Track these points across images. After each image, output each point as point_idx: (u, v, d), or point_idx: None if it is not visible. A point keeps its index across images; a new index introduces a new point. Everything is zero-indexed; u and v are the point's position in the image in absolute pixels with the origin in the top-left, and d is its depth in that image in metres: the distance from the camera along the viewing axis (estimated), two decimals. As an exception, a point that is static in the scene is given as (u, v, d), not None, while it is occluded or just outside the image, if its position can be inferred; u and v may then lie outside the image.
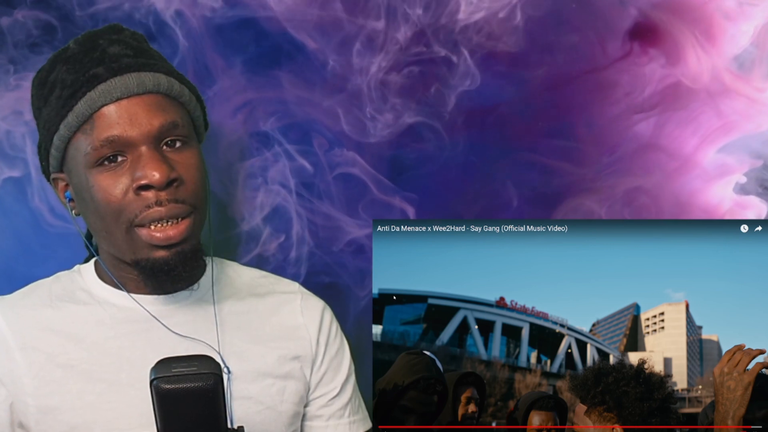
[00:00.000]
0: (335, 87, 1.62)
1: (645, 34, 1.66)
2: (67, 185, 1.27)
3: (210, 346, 1.27)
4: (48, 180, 1.31)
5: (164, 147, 1.21)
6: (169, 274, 1.21)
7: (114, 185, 1.19)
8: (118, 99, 1.19)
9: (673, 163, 1.68)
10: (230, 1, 1.58)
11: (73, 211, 1.28)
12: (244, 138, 1.62)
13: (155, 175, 1.17)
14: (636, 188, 1.67)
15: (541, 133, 1.67)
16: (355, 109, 1.63)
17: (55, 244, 1.56)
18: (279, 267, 1.61)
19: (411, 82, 1.63)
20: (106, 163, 1.19)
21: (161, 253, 1.20)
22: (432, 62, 1.63)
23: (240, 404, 1.26)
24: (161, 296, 1.28)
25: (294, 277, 1.53)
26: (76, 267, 1.34)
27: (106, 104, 1.19)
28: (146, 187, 1.18)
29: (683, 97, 1.67)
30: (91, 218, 1.23)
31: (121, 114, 1.19)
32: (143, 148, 1.19)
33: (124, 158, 1.20)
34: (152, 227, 1.19)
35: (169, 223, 1.20)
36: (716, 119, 1.67)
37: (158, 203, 1.18)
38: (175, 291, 1.29)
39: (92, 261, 1.33)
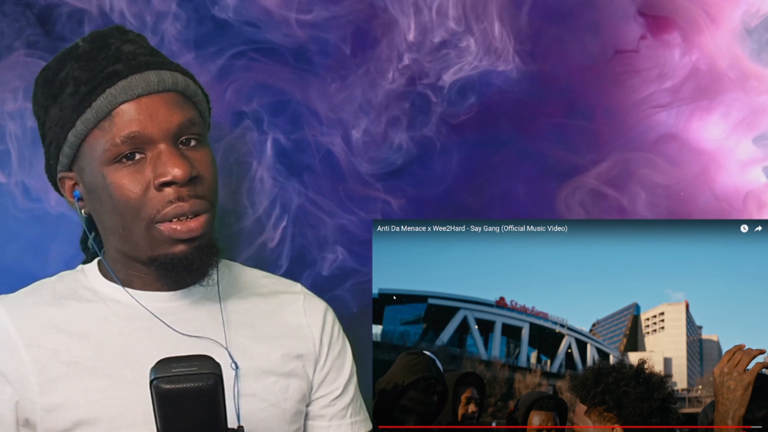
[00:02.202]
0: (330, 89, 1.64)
1: (655, 20, 1.65)
2: (75, 184, 1.27)
3: (216, 341, 1.27)
4: (50, 179, 1.32)
5: (181, 145, 1.23)
6: (188, 267, 1.22)
7: (133, 182, 1.20)
8: (139, 96, 1.20)
9: (696, 153, 1.67)
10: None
11: (82, 210, 1.28)
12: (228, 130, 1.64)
13: (178, 172, 1.18)
14: (657, 179, 1.66)
15: (553, 127, 1.67)
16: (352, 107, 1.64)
17: (21, 227, 1.57)
18: (265, 261, 1.62)
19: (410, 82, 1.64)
20: (123, 160, 1.20)
21: (181, 248, 1.21)
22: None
23: (244, 401, 1.26)
24: (166, 293, 1.29)
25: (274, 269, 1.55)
26: (80, 266, 1.35)
27: (126, 101, 1.20)
28: (168, 184, 1.19)
29: (703, 86, 1.65)
30: (107, 216, 1.24)
31: (141, 111, 1.20)
32: (162, 146, 1.20)
33: (143, 155, 1.21)
34: (173, 222, 1.20)
35: (189, 218, 1.21)
36: (742, 107, 1.66)
37: (180, 199, 1.20)
38: (186, 286, 1.30)
39: (96, 259, 1.34)
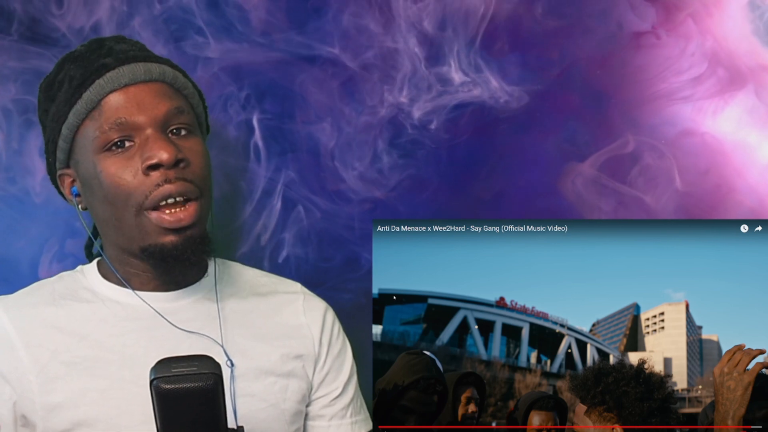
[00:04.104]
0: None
1: (665, 7, 1.63)
2: (73, 181, 1.29)
3: (213, 339, 1.27)
4: (53, 181, 1.33)
5: (170, 134, 1.24)
6: (178, 259, 1.22)
7: (123, 169, 1.21)
8: (126, 85, 1.23)
9: (717, 148, 1.65)
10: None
11: (80, 206, 1.29)
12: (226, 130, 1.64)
13: (163, 154, 1.20)
14: (680, 176, 1.64)
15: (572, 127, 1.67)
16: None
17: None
18: (262, 261, 1.63)
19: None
20: (113, 148, 1.22)
21: (171, 238, 1.21)
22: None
23: (243, 402, 1.26)
24: (164, 293, 1.29)
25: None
26: (79, 267, 1.35)
27: (114, 90, 1.23)
28: (155, 167, 1.20)
29: (721, 78, 1.63)
30: (99, 206, 1.24)
31: (129, 99, 1.22)
32: (149, 131, 1.22)
33: (132, 143, 1.22)
34: (161, 210, 1.21)
35: (178, 207, 1.21)
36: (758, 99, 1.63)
37: (167, 181, 1.20)
38: (182, 286, 1.30)
39: (95, 260, 1.34)
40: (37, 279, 1.40)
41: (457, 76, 1.63)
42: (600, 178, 1.64)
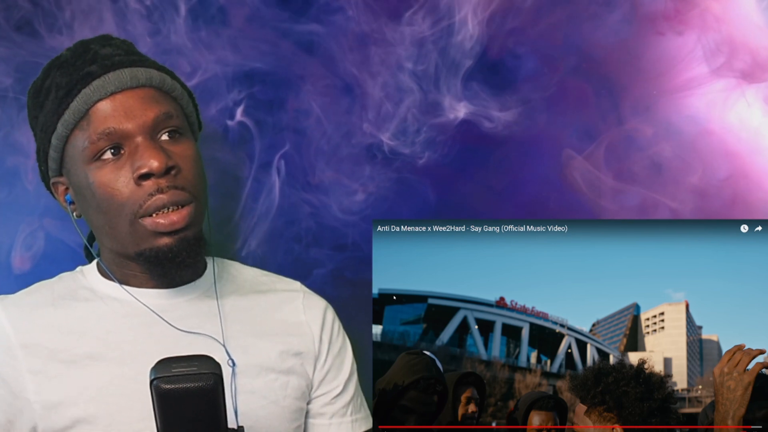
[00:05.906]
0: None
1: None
2: (66, 188, 1.29)
3: (213, 338, 1.27)
4: (47, 187, 1.33)
5: (160, 138, 1.24)
6: (173, 260, 1.23)
7: (114, 179, 1.21)
8: (113, 93, 1.22)
9: (737, 149, 1.64)
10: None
11: (74, 213, 1.29)
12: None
13: (154, 163, 1.20)
14: (696, 178, 1.64)
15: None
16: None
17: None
18: (262, 261, 1.63)
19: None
20: (104, 157, 1.21)
21: (165, 240, 1.22)
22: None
23: (244, 399, 1.27)
24: (164, 291, 1.29)
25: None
26: (79, 268, 1.36)
27: (101, 99, 1.22)
28: (146, 176, 1.20)
29: (736, 70, 1.62)
30: (93, 215, 1.25)
31: (116, 107, 1.22)
32: (139, 139, 1.22)
33: (122, 151, 1.22)
34: (155, 216, 1.21)
35: (171, 210, 1.21)
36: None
37: (159, 191, 1.21)
38: (181, 284, 1.30)
39: (95, 261, 1.35)
40: (10, 265, 1.41)
41: (452, 99, 1.63)
42: (602, 177, 1.63)
